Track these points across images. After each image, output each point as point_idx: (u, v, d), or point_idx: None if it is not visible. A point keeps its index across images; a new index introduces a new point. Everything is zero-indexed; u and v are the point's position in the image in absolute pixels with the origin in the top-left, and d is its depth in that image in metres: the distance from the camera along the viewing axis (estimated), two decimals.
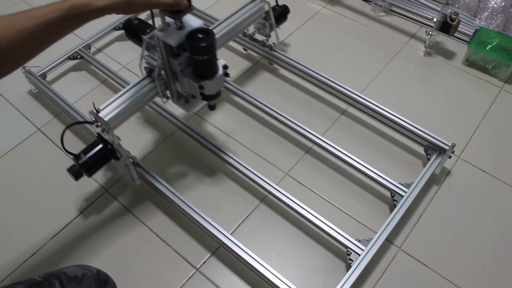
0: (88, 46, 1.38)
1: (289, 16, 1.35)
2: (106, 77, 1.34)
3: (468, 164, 1.14)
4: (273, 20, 1.24)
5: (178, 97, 1.03)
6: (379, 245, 0.93)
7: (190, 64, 0.92)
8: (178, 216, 1.04)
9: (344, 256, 0.96)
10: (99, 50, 1.46)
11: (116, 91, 1.32)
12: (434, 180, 1.10)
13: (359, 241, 0.94)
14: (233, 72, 1.33)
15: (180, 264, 0.98)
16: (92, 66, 1.37)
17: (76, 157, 0.93)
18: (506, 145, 1.17)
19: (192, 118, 1.25)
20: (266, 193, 1.06)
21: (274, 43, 1.27)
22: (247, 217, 1.05)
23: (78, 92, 1.33)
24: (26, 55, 0.60)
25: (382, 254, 0.98)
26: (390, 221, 0.96)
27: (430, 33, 1.35)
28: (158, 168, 1.13)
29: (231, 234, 0.95)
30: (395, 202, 1.00)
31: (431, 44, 1.39)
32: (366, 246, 0.92)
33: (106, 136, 0.94)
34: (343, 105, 1.25)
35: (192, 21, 0.87)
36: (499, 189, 1.09)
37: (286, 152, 1.17)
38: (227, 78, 0.99)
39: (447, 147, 1.06)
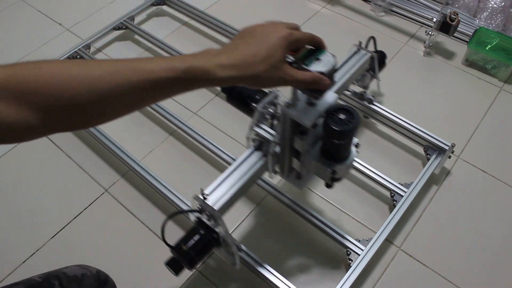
0: (87, 46, 1.37)
1: (288, 15, 1.35)
2: None
3: (467, 164, 1.14)
4: (377, 72, 1.09)
5: (289, 172, 0.88)
6: (379, 245, 0.93)
7: (316, 141, 0.77)
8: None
9: (343, 256, 0.96)
10: (99, 50, 1.45)
11: None
12: (433, 180, 1.10)
13: (359, 241, 0.94)
14: None
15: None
16: None
17: (176, 249, 0.78)
18: (505, 145, 1.17)
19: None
20: (265, 193, 1.06)
21: (373, 96, 1.16)
22: (246, 217, 1.05)
23: None
24: (123, 109, 0.52)
25: (382, 254, 0.98)
26: (390, 221, 0.97)
27: (430, 33, 1.35)
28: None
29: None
30: (394, 202, 1.01)
31: (431, 44, 1.39)
32: (365, 246, 0.92)
33: (211, 224, 0.79)
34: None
35: (326, 95, 0.68)
36: (498, 189, 1.09)
37: None
38: None
39: (446, 147, 1.06)
